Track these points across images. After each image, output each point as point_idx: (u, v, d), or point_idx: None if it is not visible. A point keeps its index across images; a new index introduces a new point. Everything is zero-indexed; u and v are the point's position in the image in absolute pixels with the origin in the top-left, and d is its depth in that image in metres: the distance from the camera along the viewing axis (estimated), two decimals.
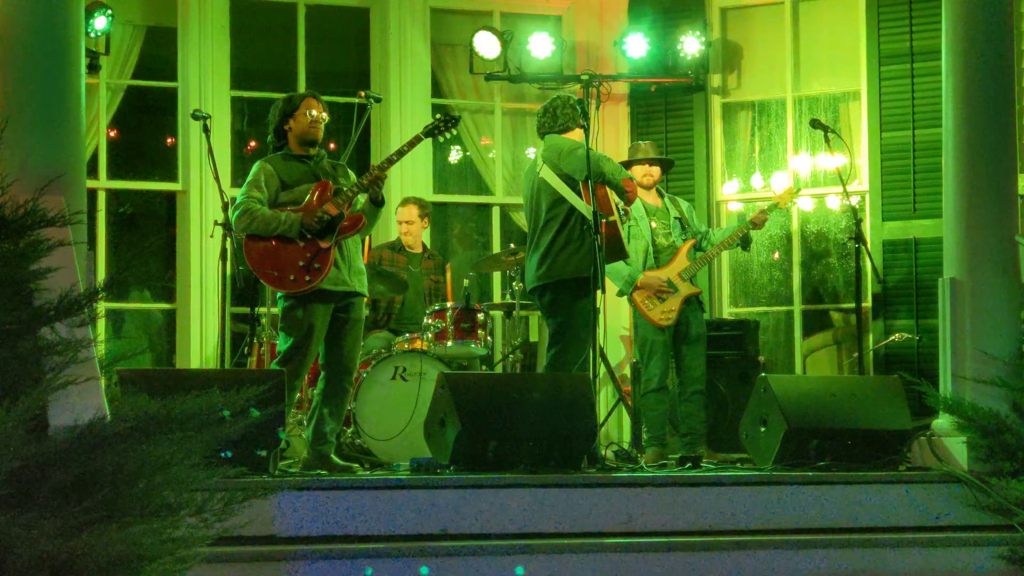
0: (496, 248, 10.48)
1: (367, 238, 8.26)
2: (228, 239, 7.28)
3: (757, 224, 8.14)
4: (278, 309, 6.93)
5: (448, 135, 7.11)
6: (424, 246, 9.16)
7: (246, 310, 8.35)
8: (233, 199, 6.91)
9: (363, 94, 7.52)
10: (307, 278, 6.68)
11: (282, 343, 6.78)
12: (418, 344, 8.27)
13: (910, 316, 9.54)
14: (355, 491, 6.00)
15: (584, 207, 7.12)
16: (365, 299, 7.06)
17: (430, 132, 7.07)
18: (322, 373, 6.92)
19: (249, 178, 6.84)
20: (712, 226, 10.02)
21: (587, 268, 7.03)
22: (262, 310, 8.42)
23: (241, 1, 10.16)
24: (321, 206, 6.73)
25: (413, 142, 6.95)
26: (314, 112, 6.84)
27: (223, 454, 5.61)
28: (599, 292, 7.10)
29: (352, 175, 7.07)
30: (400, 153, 6.90)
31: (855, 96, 10.08)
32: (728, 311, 10.31)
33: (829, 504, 6.39)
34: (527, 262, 7.42)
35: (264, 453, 6.07)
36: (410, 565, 5.67)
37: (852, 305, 9.16)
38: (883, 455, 6.88)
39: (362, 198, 6.88)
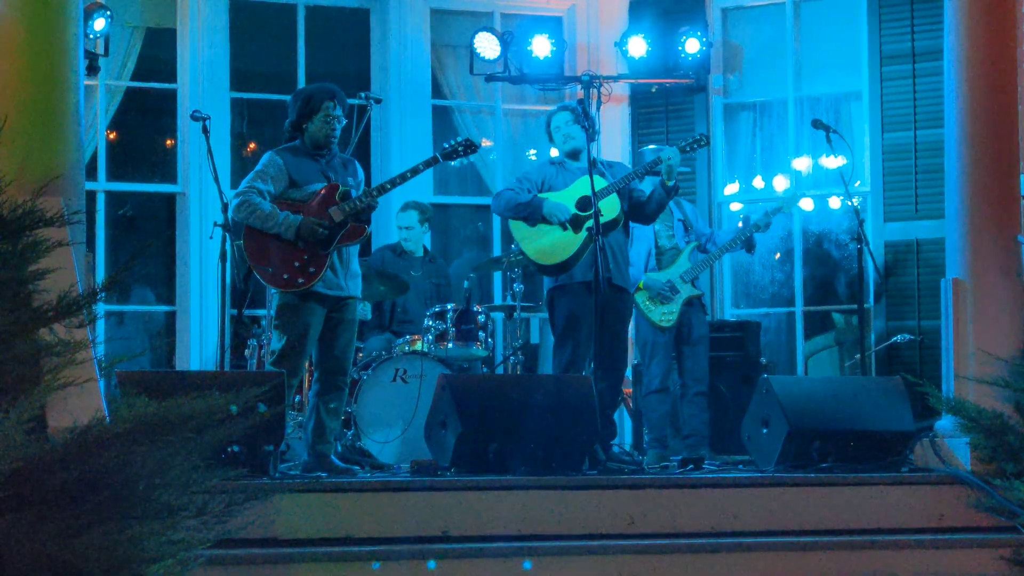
0: (497, 250, 10.46)
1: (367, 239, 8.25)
2: (227, 241, 7.26)
3: (761, 228, 8.10)
4: (272, 308, 6.91)
5: (464, 160, 7.16)
6: (425, 248, 9.15)
7: (248, 312, 8.34)
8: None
9: (364, 95, 7.50)
10: (300, 280, 6.66)
11: (276, 341, 6.76)
12: (418, 346, 8.25)
13: (912, 317, 9.53)
14: (355, 493, 5.99)
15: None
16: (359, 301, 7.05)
17: (448, 155, 7.07)
18: (315, 374, 6.91)
19: (258, 167, 6.81)
20: (714, 228, 10.01)
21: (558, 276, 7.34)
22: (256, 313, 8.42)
23: (240, 2, 10.15)
24: (325, 209, 6.71)
25: (429, 162, 6.99)
26: (331, 118, 6.80)
27: (231, 448, 5.63)
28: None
29: (360, 171, 7.06)
30: (414, 171, 6.90)
31: (857, 96, 10.07)
32: (730, 312, 10.29)
33: (831, 505, 6.37)
34: None
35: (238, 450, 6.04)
36: (411, 567, 5.66)
37: (854, 306, 9.14)
38: (886, 456, 6.86)
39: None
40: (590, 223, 7.25)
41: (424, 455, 6.83)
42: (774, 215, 8.18)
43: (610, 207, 7.27)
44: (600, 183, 7.33)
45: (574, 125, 7.46)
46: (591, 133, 7.34)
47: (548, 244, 7.31)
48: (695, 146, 7.57)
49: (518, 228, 7.41)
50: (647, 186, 7.63)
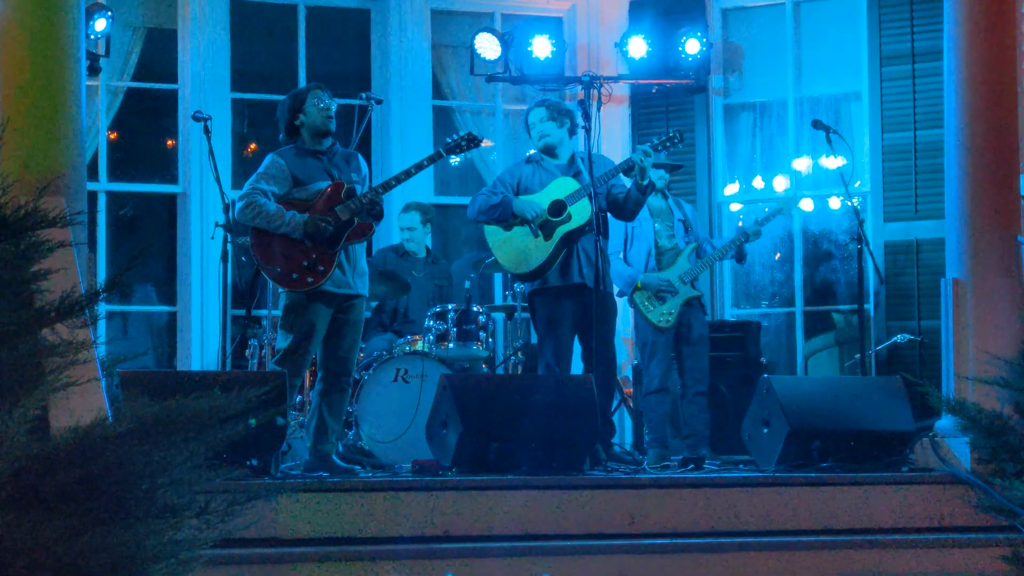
0: None
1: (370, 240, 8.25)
2: (229, 241, 7.27)
3: (751, 237, 8.10)
4: (279, 307, 6.92)
5: (467, 154, 7.17)
6: (428, 249, 9.16)
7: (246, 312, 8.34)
8: (234, 201, 6.90)
9: (364, 96, 7.51)
10: (309, 279, 6.66)
11: (281, 341, 6.77)
12: (419, 346, 8.26)
13: (912, 317, 9.53)
14: (357, 493, 6.00)
15: None
16: (366, 300, 7.05)
17: (451, 150, 7.08)
18: (319, 374, 6.91)
19: (260, 169, 6.81)
20: (713, 229, 10.02)
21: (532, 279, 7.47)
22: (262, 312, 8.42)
23: (241, 2, 10.15)
24: (331, 208, 6.71)
25: (433, 157, 7.02)
26: (322, 104, 6.82)
27: (250, 462, 5.68)
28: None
29: (364, 164, 7.06)
30: (419, 167, 6.91)
31: (856, 97, 10.08)
32: (730, 312, 10.29)
33: (832, 505, 6.38)
34: None
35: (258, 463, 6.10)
36: (414, 568, 5.66)
37: (854, 306, 9.14)
38: (886, 456, 6.87)
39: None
40: (561, 230, 7.29)
41: (425, 455, 6.84)
42: (764, 224, 8.17)
43: (580, 212, 7.30)
44: (573, 185, 7.35)
45: (548, 122, 7.50)
46: (574, 129, 7.41)
47: (519, 251, 7.36)
48: (668, 144, 7.56)
49: (492, 233, 7.45)
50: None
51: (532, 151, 7.77)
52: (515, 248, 7.37)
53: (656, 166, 7.90)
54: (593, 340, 7.11)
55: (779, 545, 6.14)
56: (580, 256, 7.33)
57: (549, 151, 7.53)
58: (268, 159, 6.85)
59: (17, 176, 4.70)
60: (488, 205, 7.39)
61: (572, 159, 7.51)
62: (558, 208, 7.32)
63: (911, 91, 9.68)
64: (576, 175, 7.41)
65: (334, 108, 6.88)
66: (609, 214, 7.54)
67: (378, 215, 6.87)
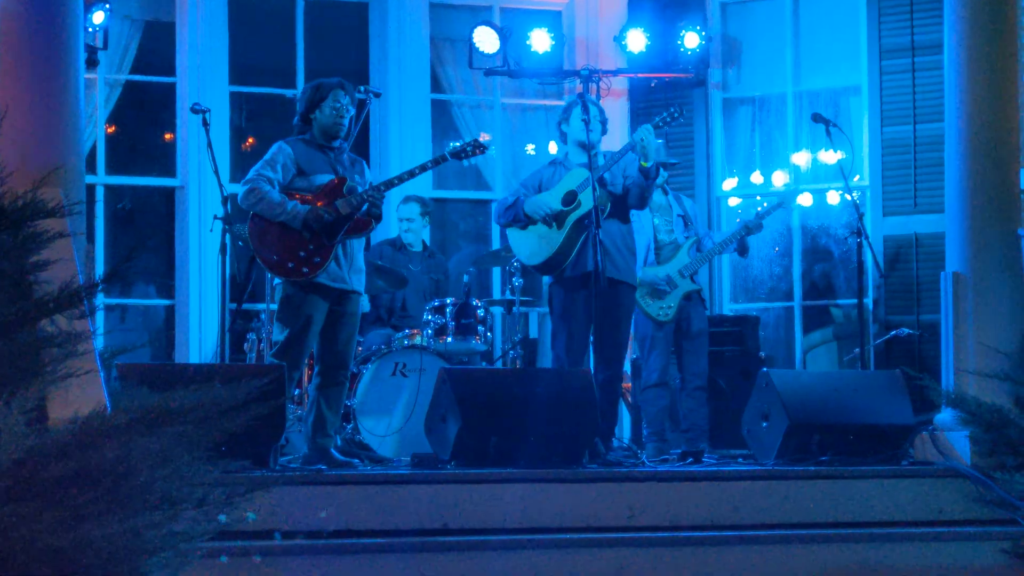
0: (496, 244, 10.45)
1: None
2: (227, 234, 7.26)
3: (752, 230, 8.09)
4: (275, 300, 6.91)
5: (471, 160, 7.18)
6: (424, 244, 9.14)
7: (248, 306, 8.33)
8: (233, 195, 6.89)
9: (363, 89, 7.50)
10: (304, 269, 6.65)
11: (278, 333, 6.76)
12: (418, 340, 8.25)
13: (911, 311, 9.53)
14: (355, 486, 5.99)
15: None
16: (363, 295, 7.05)
17: (456, 155, 7.09)
18: (316, 368, 6.90)
19: (266, 156, 6.80)
20: (712, 223, 10.01)
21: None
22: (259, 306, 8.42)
23: None
24: (332, 201, 6.70)
25: (438, 160, 7.04)
26: (339, 106, 6.81)
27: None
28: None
29: (368, 172, 7.06)
30: (423, 168, 6.93)
31: (856, 91, 10.07)
32: (728, 307, 10.29)
33: (831, 499, 6.38)
34: None
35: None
36: (413, 561, 5.66)
37: (853, 300, 9.14)
38: (885, 450, 6.86)
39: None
40: (572, 216, 7.28)
41: (424, 448, 6.83)
42: (765, 217, 8.17)
43: (589, 197, 7.28)
44: (585, 174, 7.34)
45: (598, 124, 7.48)
46: (593, 127, 7.38)
47: (534, 243, 7.37)
48: (669, 119, 7.52)
49: (511, 233, 7.46)
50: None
51: (542, 148, 7.76)
52: (530, 240, 7.37)
53: (663, 164, 7.94)
54: (592, 329, 7.11)
55: (778, 539, 6.13)
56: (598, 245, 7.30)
57: (583, 146, 7.51)
58: (276, 146, 6.84)
59: (15, 167, 4.69)
60: (505, 207, 7.42)
61: (595, 157, 7.52)
62: (570, 198, 7.32)
63: (911, 85, 9.67)
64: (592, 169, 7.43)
65: (352, 110, 6.87)
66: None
67: (378, 216, 6.86)
